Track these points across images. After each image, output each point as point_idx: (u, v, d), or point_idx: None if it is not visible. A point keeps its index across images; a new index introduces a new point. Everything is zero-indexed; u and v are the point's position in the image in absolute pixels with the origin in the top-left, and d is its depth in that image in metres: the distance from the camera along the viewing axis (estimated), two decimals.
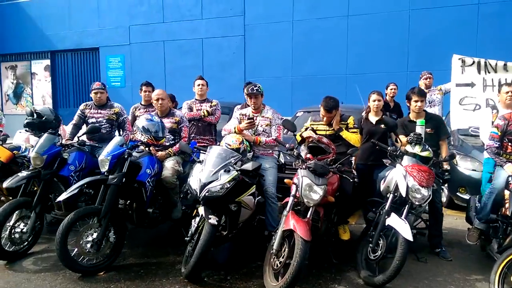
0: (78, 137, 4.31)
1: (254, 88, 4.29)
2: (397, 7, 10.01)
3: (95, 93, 4.81)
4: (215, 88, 12.40)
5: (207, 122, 5.32)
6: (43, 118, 4.31)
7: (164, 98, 4.48)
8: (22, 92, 15.09)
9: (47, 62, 14.53)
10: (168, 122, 4.47)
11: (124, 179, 3.75)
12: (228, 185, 3.46)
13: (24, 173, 3.95)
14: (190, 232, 3.57)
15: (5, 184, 3.84)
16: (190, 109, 5.38)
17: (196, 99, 5.43)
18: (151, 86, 5.73)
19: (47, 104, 14.71)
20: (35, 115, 4.33)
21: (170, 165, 4.18)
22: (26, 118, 4.30)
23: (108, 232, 3.68)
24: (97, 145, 4.39)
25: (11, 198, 4.62)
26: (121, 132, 5.04)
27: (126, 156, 3.79)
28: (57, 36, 14.01)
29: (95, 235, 3.61)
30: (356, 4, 10.39)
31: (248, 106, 5.10)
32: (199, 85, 5.38)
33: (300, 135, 4.00)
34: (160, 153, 4.22)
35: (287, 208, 3.28)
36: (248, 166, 3.48)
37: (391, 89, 6.75)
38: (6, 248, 3.86)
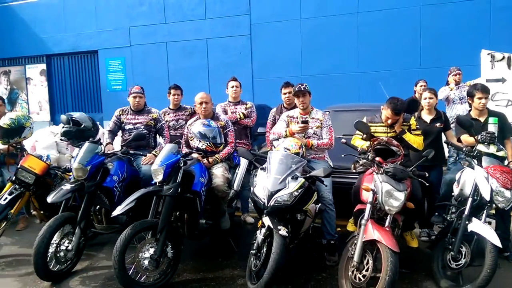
0: (122, 145, 4.03)
1: (301, 86, 4.09)
2: (408, 2, 9.93)
3: (134, 97, 4.53)
4: (221, 90, 12.22)
5: (243, 125, 5.09)
6: (82, 126, 4.02)
7: (208, 101, 4.23)
8: (17, 98, 14.58)
9: (43, 66, 14.07)
10: None
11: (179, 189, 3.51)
12: (296, 193, 3.26)
13: (68, 186, 3.66)
14: (255, 244, 3.34)
15: (49, 199, 3.55)
16: (225, 112, 5.14)
17: (229, 101, 5.19)
18: (180, 89, 5.48)
19: (44, 110, 14.28)
20: (71, 122, 4.03)
21: (220, 173, 3.94)
22: (63, 126, 4.00)
23: (166, 247, 3.43)
24: (141, 153, 4.11)
25: (43, 212, 4.35)
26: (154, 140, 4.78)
27: (180, 165, 3.55)
28: (52, 39, 13.56)
29: (152, 250, 3.36)
30: (366, 1, 10.27)
31: (285, 108, 4.92)
32: (233, 86, 5.14)
33: (365, 137, 3.79)
34: (206, 160, 3.98)
35: (365, 217, 3.09)
36: (319, 172, 3.27)
37: (421, 85, 6.62)
38: (50, 268, 3.58)
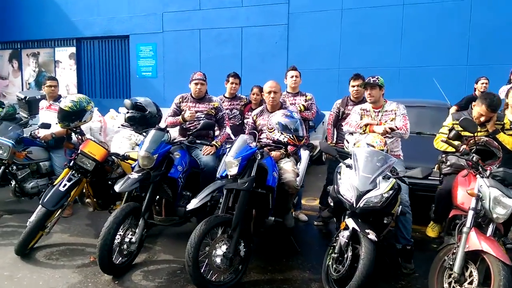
0: (189, 134, 3.79)
1: (372, 79, 3.82)
2: None
3: (196, 83, 4.27)
4: (254, 80, 11.93)
5: (302, 118, 4.80)
6: (146, 112, 3.78)
7: (278, 91, 3.96)
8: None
9: (72, 49, 13.92)
10: None
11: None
12: (387, 195, 3.00)
13: (135, 175, 3.44)
14: (336, 247, 3.08)
15: (118, 188, 3.33)
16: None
17: (288, 92, 4.90)
18: (239, 78, 5.24)
19: (71, 94, 14.17)
20: (135, 108, 3.80)
21: (290, 168, 3.69)
22: (127, 112, 3.77)
23: (238, 245, 3.20)
24: (208, 143, 3.87)
25: (96, 200, 4.16)
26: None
27: (257, 158, 3.30)
28: (83, 22, 13.38)
29: (224, 248, 3.13)
30: None
31: (352, 101, 4.64)
32: (292, 76, 4.84)
33: (451, 137, 3.48)
34: (274, 153, 3.73)
35: (468, 225, 2.80)
36: (417, 172, 3.00)
37: (482, 83, 6.27)
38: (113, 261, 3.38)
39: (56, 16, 13.53)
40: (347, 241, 3.02)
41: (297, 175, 3.71)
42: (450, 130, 3.64)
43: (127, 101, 3.79)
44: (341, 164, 3.26)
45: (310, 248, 4.19)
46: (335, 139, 4.69)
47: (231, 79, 5.15)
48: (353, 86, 4.62)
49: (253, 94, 5.18)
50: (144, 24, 12.63)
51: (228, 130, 4.20)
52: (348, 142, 3.80)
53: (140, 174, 3.46)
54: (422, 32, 9.78)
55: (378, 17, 10.13)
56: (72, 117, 3.88)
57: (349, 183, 3.05)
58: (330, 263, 3.14)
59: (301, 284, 3.38)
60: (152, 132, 3.61)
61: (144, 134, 3.76)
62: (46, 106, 5.01)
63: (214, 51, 11.85)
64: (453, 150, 3.34)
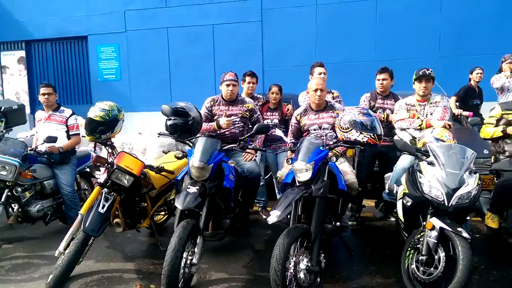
0: (240, 140, 3.45)
1: (427, 71, 3.74)
2: None
3: (227, 85, 3.92)
4: None
5: None
6: (190, 118, 3.38)
7: (324, 89, 3.74)
8: None
9: (21, 53, 12.71)
10: (328, 117, 3.76)
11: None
12: (475, 191, 2.90)
13: (193, 189, 3.06)
14: (423, 249, 2.94)
15: (180, 205, 2.94)
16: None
17: None
18: (256, 77, 4.92)
19: (23, 102, 12.94)
20: (176, 114, 3.38)
21: (348, 168, 3.51)
22: (168, 119, 3.35)
23: (319, 256, 2.95)
24: (262, 148, 3.56)
25: (123, 219, 3.70)
26: None
27: (329, 161, 3.06)
28: (33, 23, 12.25)
29: (305, 261, 2.87)
30: None
31: (379, 94, 4.56)
32: (320, 73, 4.64)
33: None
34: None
35: None
36: (504, 164, 2.92)
37: (477, 73, 6.46)
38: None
39: (0, 16, 12.28)
40: (436, 241, 2.89)
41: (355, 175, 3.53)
42: (498, 120, 3.65)
43: (166, 107, 3.37)
44: (418, 162, 3.11)
45: (363, 251, 4.02)
46: None
47: (247, 79, 4.84)
48: (379, 80, 4.54)
49: (272, 93, 4.91)
50: (104, 23, 11.80)
51: (279, 132, 3.90)
52: (401, 139, 3.68)
53: (198, 187, 3.08)
54: (395, 25, 10.00)
55: (352, 12, 10.21)
56: (102, 127, 3.40)
57: (434, 181, 2.91)
58: (415, 266, 2.99)
59: None
60: (203, 140, 3.24)
61: (188, 142, 3.38)
62: (44, 117, 4.40)
63: (184, 51, 11.35)
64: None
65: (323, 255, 2.98)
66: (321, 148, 3.07)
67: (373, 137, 3.00)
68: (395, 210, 3.90)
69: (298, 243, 2.90)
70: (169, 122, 3.35)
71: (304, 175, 3.00)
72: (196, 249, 3.09)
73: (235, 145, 3.45)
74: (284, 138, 3.70)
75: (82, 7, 11.84)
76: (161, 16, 11.39)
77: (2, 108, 5.06)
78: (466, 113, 5.68)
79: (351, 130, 3.03)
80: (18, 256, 3.99)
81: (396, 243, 4.10)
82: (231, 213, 3.60)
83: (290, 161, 3.27)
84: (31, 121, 8.90)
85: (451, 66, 9.57)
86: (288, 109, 4.98)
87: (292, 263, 2.80)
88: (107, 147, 3.57)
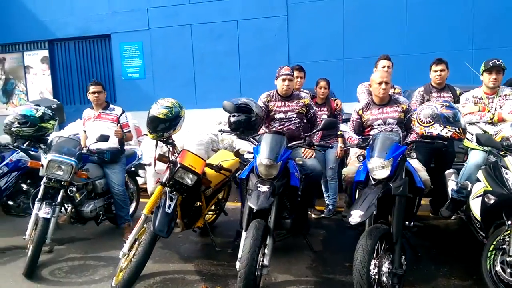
0: (306, 136, 3.32)
1: (497, 62, 3.57)
2: None
3: (283, 79, 3.79)
4: (253, 75, 11.49)
5: None
6: (253, 114, 3.26)
7: (389, 81, 3.59)
8: (14, 89, 13.14)
9: (45, 53, 12.71)
10: (393, 112, 3.61)
11: None
12: None
13: (263, 188, 2.94)
14: (510, 249, 2.78)
15: (254, 205, 2.83)
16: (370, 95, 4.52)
17: None
18: (304, 71, 4.78)
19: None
20: (239, 110, 3.27)
21: (419, 165, 3.37)
22: (231, 115, 3.23)
23: (400, 258, 2.81)
24: (329, 146, 3.43)
25: (181, 219, 3.60)
26: None
27: (407, 158, 2.92)
28: (56, 23, 12.23)
29: (387, 263, 2.74)
30: None
31: (434, 87, 4.39)
32: (384, 66, 4.49)
33: None
34: None
35: None
36: None
37: None
38: None
39: (23, 16, 12.28)
40: None
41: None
42: None
43: (228, 103, 3.25)
44: (502, 158, 2.95)
45: (428, 252, 3.86)
46: None
47: (296, 73, 4.69)
48: (436, 71, 4.38)
49: (320, 88, 4.78)
50: (127, 21, 11.73)
51: (345, 127, 3.77)
52: (471, 134, 3.51)
53: (268, 186, 2.97)
54: (425, 18, 9.77)
55: (380, 4, 10.00)
56: (165, 125, 3.29)
57: None
58: (499, 267, 2.84)
59: None
60: (269, 136, 3.12)
61: (252, 139, 3.26)
62: (94, 115, 4.31)
63: (208, 48, 11.24)
64: None
65: (403, 257, 2.84)
66: (398, 143, 2.93)
67: (458, 131, 2.84)
68: (462, 208, 3.75)
69: (379, 244, 2.77)
70: (232, 119, 3.23)
71: (381, 173, 2.86)
72: (266, 251, 2.97)
73: (301, 141, 3.32)
74: (350, 133, 3.56)
75: (104, 5, 11.79)
76: (184, 12, 11.29)
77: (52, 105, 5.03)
78: None
79: (433, 124, 2.88)
80: (73, 258, 3.92)
81: (461, 243, 3.97)
82: (293, 213, 3.48)
83: (362, 158, 3.14)
84: None
85: (484, 59, 9.33)
86: (337, 104, 4.84)
87: (376, 266, 2.67)
88: (168, 145, 3.47)
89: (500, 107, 3.67)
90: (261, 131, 3.54)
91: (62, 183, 3.72)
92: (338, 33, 10.39)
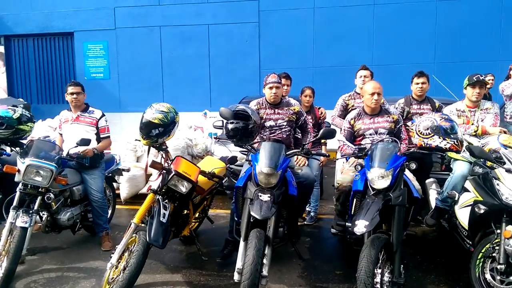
0: (304, 145, 3.29)
1: (481, 77, 3.76)
2: None
3: (271, 88, 3.74)
4: (224, 79, 11.43)
5: None
6: (251, 121, 3.20)
7: (381, 92, 3.65)
8: None
9: (0, 49, 12.02)
10: (384, 122, 3.68)
11: None
12: None
13: (264, 197, 2.88)
14: (501, 258, 2.89)
15: (257, 215, 2.76)
16: (345, 106, 4.58)
17: (357, 93, 4.62)
18: (290, 79, 4.79)
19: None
20: (236, 117, 3.18)
21: (410, 175, 3.42)
22: (229, 122, 3.15)
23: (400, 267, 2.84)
24: (325, 153, 3.41)
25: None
26: None
27: (405, 168, 2.97)
28: (15, 18, 11.62)
29: (387, 273, 2.76)
30: None
31: (415, 99, 4.51)
32: (361, 76, 4.56)
33: None
34: None
35: None
36: None
37: (489, 79, 6.58)
38: None
39: None
40: None
41: None
42: None
43: (226, 110, 3.17)
44: (493, 169, 3.07)
45: (414, 259, 3.94)
46: None
47: (282, 80, 4.66)
48: (418, 84, 4.49)
49: (306, 96, 4.79)
50: (92, 20, 11.34)
51: (340, 136, 3.75)
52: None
53: (269, 195, 2.91)
54: (392, 31, 10.17)
55: (350, 16, 10.29)
56: (159, 131, 3.15)
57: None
58: (489, 275, 2.95)
59: None
60: (268, 144, 3.07)
61: (249, 147, 3.20)
62: (72, 118, 4.06)
63: (178, 50, 11.08)
64: None
65: (402, 266, 2.88)
66: (397, 154, 2.98)
67: (457, 143, 2.93)
68: (446, 217, 3.87)
69: (382, 254, 2.79)
70: (230, 126, 3.15)
71: (382, 183, 2.89)
72: (265, 261, 2.91)
73: (298, 150, 3.29)
74: (347, 142, 3.57)
75: (67, 2, 11.37)
76: (154, 14, 11.07)
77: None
78: None
79: (432, 136, 2.95)
80: (49, 269, 3.66)
81: (442, 250, 4.09)
82: (288, 222, 3.44)
83: (360, 167, 3.16)
84: None
85: (445, 72, 9.79)
86: (321, 112, 4.87)
87: (378, 276, 2.68)
88: (161, 152, 3.32)
89: (482, 120, 3.84)
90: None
91: (40, 189, 3.47)
92: (308, 42, 10.57)
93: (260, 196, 2.91)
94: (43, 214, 3.71)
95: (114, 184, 4.99)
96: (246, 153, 3.81)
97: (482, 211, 3.09)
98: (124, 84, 11.54)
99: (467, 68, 9.06)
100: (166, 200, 3.17)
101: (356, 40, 10.38)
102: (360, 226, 2.68)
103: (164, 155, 3.32)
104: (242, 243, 2.92)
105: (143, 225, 3.14)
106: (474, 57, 9.75)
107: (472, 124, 3.79)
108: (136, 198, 5.69)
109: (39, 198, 3.47)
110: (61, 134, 4.18)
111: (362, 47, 10.37)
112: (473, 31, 9.79)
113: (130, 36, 11.32)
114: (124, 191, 5.60)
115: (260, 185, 3.01)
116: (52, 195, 3.61)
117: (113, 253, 3.06)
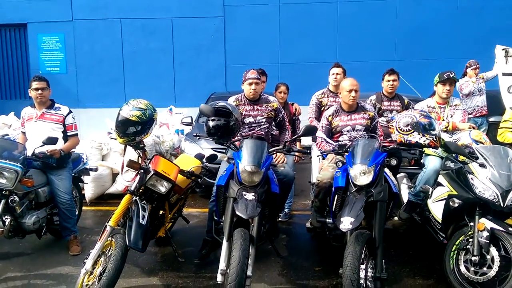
0: (286, 142, 3.25)
1: (451, 75, 3.89)
2: None
3: (250, 84, 3.68)
4: (189, 74, 11.22)
5: None
6: (232, 118, 3.12)
7: (358, 89, 3.68)
8: None
9: None
10: (360, 119, 3.71)
11: None
12: None
13: (249, 196, 2.82)
14: (475, 249, 3.01)
15: (243, 214, 2.68)
16: (319, 104, 4.57)
17: (330, 91, 4.63)
18: (266, 75, 4.72)
19: None
20: (217, 114, 3.10)
21: (387, 170, 3.49)
22: (210, 119, 3.05)
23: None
24: (307, 151, 3.38)
25: None
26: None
27: (386, 163, 3.02)
28: None
29: (370, 269, 2.80)
30: None
31: (386, 96, 4.61)
32: (333, 74, 4.59)
33: None
34: None
35: None
36: None
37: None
38: None
39: None
40: (488, 242, 2.97)
41: None
42: None
43: (206, 107, 3.07)
44: (467, 164, 3.18)
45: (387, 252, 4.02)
46: None
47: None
48: (388, 81, 4.59)
49: (280, 93, 4.78)
50: (46, 10, 10.74)
51: (320, 133, 3.73)
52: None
53: (253, 193, 2.86)
54: (355, 28, 10.35)
55: (315, 13, 10.37)
56: (137, 129, 3.00)
57: (488, 182, 2.99)
58: (463, 267, 3.06)
59: None
60: (251, 142, 3.01)
61: (232, 146, 3.13)
62: (36, 115, 3.81)
63: (140, 44, 10.73)
64: None
65: (383, 261, 2.92)
66: (379, 150, 3.01)
67: (435, 139, 3.00)
68: (418, 210, 3.98)
69: (364, 250, 2.82)
70: (211, 123, 3.06)
71: (364, 179, 2.92)
72: (249, 261, 2.86)
73: (281, 147, 3.26)
74: (327, 139, 3.58)
75: None
76: (114, 5, 10.65)
77: None
78: None
79: (412, 132, 3.01)
80: (14, 277, 3.42)
81: (413, 243, 4.21)
82: (270, 220, 3.41)
83: (341, 164, 3.17)
84: None
85: (406, 69, 10.11)
86: (295, 108, 4.87)
87: (363, 272, 2.70)
88: (138, 151, 3.17)
89: (451, 116, 3.98)
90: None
91: (3, 192, 3.23)
92: (274, 38, 10.56)
93: (245, 195, 2.85)
94: (6, 219, 3.44)
95: (80, 184, 4.75)
96: (223, 151, 3.74)
97: (456, 205, 3.20)
98: (82, 79, 11.05)
99: (427, 66, 9.48)
100: (144, 201, 3.04)
101: (321, 36, 10.48)
102: (346, 223, 2.69)
103: (141, 154, 3.18)
104: (225, 243, 2.86)
105: (118, 227, 2.99)
106: (433, 54, 10.13)
107: (443, 120, 3.92)
108: (102, 199, 5.46)
109: (2, 201, 3.24)
110: (24, 133, 3.91)
111: (326, 43, 10.49)
112: (432, 30, 10.14)
113: (88, 28, 10.83)
114: (89, 192, 5.34)
115: (243, 184, 2.96)
116: (16, 198, 3.37)
117: (87, 258, 2.90)
